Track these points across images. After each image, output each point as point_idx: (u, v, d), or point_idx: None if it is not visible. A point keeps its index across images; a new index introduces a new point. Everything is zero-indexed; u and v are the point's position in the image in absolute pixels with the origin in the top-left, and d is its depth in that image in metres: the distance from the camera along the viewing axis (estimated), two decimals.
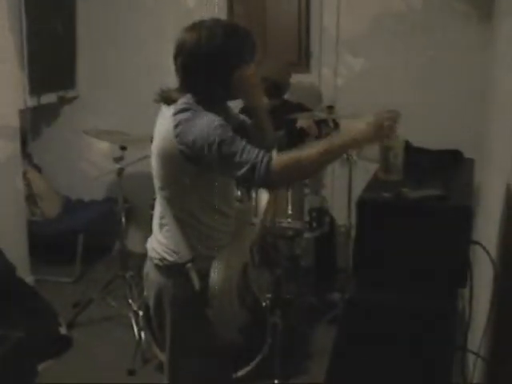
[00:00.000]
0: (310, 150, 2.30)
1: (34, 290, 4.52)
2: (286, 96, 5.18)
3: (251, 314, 2.83)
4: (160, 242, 2.62)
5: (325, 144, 2.33)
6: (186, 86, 2.49)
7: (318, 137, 4.91)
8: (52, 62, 5.56)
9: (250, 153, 2.27)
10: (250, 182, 2.34)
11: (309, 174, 2.64)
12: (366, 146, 2.43)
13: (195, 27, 2.45)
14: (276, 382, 3.99)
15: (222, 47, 2.38)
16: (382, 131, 2.36)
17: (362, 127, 2.35)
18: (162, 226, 2.63)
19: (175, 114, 2.40)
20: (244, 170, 2.26)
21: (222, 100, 2.56)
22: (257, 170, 2.24)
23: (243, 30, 2.49)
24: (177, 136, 2.35)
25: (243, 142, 2.30)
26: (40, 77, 5.33)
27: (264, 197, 4.24)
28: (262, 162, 2.24)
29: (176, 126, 2.36)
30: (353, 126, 2.51)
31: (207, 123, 2.33)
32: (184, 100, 2.44)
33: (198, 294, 2.50)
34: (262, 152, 2.27)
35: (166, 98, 2.51)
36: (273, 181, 2.29)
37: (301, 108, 5.02)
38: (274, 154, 2.33)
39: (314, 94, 5.48)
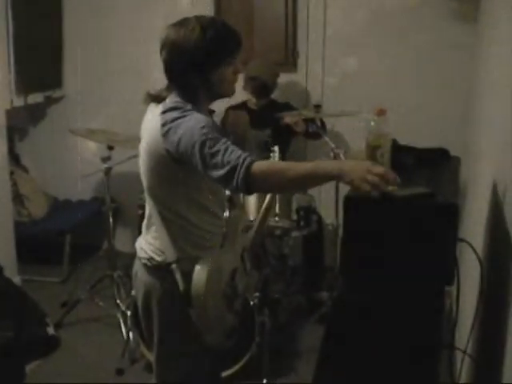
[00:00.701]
0: (294, 166, 2.25)
1: (22, 290, 4.50)
2: (273, 95, 5.19)
3: (239, 319, 2.82)
4: (148, 241, 2.62)
5: (311, 165, 2.25)
6: (170, 83, 2.50)
7: (305, 135, 4.93)
8: (39, 61, 5.54)
9: (231, 154, 2.22)
10: (228, 184, 2.26)
11: (287, 187, 2.57)
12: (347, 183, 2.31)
13: (179, 23, 2.45)
14: (264, 381, 4.00)
15: (201, 43, 2.37)
16: (369, 187, 2.12)
17: (358, 168, 2.23)
18: (150, 225, 2.64)
19: (164, 112, 2.40)
20: (224, 171, 2.21)
21: (206, 99, 2.55)
22: (237, 172, 2.19)
23: (226, 27, 2.48)
24: (163, 135, 2.35)
25: (227, 144, 2.26)
26: (27, 76, 5.31)
27: (252, 199, 4.25)
28: (242, 164, 2.19)
29: (163, 125, 2.36)
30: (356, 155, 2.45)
31: (194, 123, 2.32)
32: (173, 98, 2.45)
33: (183, 295, 2.49)
34: (244, 155, 2.22)
35: (155, 97, 2.51)
36: (251, 185, 2.21)
37: (288, 107, 5.03)
38: (257, 160, 2.28)
39: (301, 93, 5.49)
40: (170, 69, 2.47)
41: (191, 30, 2.38)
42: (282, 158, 5.16)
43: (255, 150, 5.03)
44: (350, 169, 2.16)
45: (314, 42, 5.39)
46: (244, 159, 2.20)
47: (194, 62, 2.39)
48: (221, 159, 2.22)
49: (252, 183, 2.21)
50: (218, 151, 2.23)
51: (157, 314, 2.62)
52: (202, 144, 2.25)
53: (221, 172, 2.23)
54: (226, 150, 2.24)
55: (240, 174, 2.19)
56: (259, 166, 2.21)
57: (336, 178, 2.22)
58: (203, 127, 2.29)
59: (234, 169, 2.20)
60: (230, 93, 2.55)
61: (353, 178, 2.13)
